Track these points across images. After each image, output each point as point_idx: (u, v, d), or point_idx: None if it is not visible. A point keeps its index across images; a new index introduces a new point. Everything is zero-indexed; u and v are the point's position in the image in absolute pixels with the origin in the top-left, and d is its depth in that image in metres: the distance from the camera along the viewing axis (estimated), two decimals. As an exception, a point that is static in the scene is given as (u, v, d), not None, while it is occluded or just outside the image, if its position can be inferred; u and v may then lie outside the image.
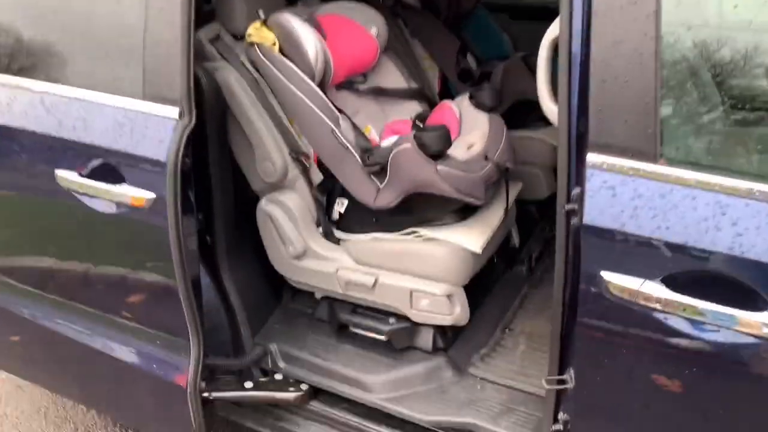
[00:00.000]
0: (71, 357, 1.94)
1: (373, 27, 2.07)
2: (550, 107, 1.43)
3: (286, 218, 1.88)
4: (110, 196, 1.62)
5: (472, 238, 1.79)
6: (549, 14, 3.05)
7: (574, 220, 1.27)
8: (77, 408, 2.36)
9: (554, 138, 2.39)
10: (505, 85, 2.48)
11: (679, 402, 1.25)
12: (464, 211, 1.87)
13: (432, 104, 2.27)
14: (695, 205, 1.15)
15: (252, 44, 1.88)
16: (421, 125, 2.08)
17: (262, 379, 1.84)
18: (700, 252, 1.14)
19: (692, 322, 1.16)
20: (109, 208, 1.64)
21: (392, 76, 2.18)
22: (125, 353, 1.79)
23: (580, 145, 1.28)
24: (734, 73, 1.16)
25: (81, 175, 1.66)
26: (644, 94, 1.17)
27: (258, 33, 1.88)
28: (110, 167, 1.62)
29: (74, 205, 1.68)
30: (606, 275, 1.22)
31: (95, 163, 1.64)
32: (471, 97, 2.06)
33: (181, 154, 1.50)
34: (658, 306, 1.18)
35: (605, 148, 1.22)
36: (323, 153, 1.87)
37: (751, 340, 1.12)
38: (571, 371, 1.37)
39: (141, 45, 1.57)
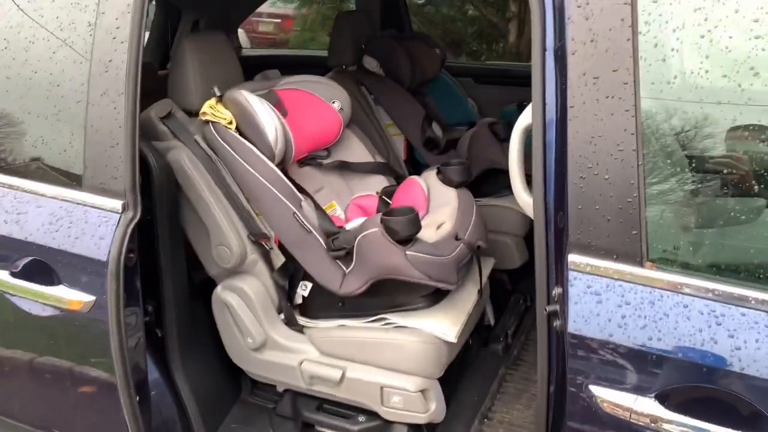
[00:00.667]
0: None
1: (336, 101, 1.98)
2: (524, 199, 1.34)
3: (245, 306, 1.75)
4: (44, 299, 1.46)
5: (446, 325, 1.68)
6: (512, 79, 3.07)
7: (557, 323, 1.18)
8: None
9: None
10: (473, 154, 2.42)
11: None
12: (436, 294, 1.76)
13: (398, 176, 2.18)
14: (688, 314, 1.06)
15: (207, 123, 1.77)
16: (388, 202, 1.99)
17: (219, 490, 1.67)
18: (695, 367, 1.04)
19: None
20: (43, 311, 1.48)
21: (357, 150, 2.09)
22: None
23: (558, 241, 1.19)
24: (725, 167, 1.09)
25: (12, 275, 1.50)
26: (626, 192, 1.09)
27: (213, 111, 1.77)
28: (45, 266, 1.47)
29: (4, 305, 1.51)
30: (595, 389, 1.12)
31: (28, 261, 1.49)
32: (438, 172, 1.98)
33: (124, 253, 1.37)
34: (651, 424, 1.08)
35: (587, 249, 1.13)
36: (285, 237, 1.76)
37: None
38: (559, 485, 1.25)
39: (82, 131, 1.45)
